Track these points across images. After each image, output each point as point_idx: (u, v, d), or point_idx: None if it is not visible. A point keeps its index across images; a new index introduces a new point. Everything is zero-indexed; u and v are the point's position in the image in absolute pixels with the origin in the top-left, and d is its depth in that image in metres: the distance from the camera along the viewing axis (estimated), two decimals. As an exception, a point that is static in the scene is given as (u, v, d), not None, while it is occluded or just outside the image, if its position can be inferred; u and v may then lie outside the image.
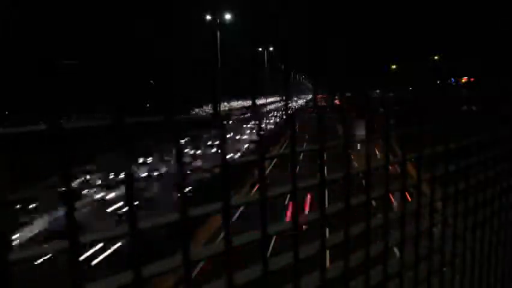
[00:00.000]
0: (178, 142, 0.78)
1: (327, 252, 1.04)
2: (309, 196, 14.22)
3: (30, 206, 15.63)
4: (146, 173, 21.99)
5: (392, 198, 1.12)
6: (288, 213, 13.23)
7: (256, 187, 0.92)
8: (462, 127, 1.56)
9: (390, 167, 1.21)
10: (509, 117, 1.89)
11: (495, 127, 1.78)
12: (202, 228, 14.83)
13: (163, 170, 22.89)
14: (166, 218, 0.78)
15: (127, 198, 0.71)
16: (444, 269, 1.48)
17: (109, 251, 13.09)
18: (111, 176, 20.52)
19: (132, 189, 0.71)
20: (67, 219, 0.65)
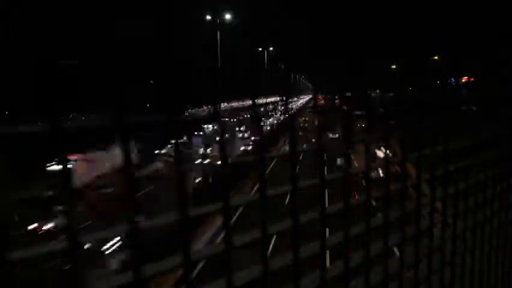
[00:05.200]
0: (179, 142, 0.78)
1: (327, 252, 1.05)
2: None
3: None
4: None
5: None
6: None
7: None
8: (462, 127, 1.56)
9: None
10: (509, 117, 1.89)
11: (494, 127, 1.78)
12: (202, 228, 14.83)
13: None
14: (166, 218, 0.78)
15: (128, 198, 0.71)
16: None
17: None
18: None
19: (133, 187, 0.71)
20: (67, 219, 0.65)
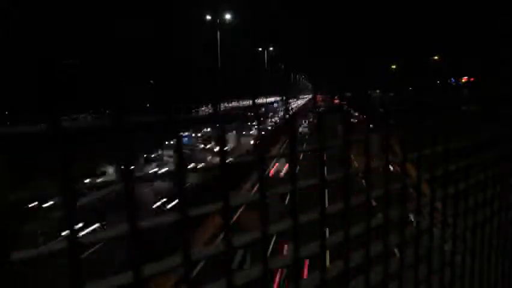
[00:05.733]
0: (180, 142, 0.78)
1: (327, 252, 1.04)
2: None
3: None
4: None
5: None
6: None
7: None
8: (462, 127, 1.56)
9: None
10: (509, 117, 1.89)
11: (494, 127, 1.78)
12: (202, 228, 14.82)
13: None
14: (166, 218, 0.78)
15: (127, 198, 0.71)
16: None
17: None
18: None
19: (133, 188, 0.71)
20: (67, 219, 0.65)
